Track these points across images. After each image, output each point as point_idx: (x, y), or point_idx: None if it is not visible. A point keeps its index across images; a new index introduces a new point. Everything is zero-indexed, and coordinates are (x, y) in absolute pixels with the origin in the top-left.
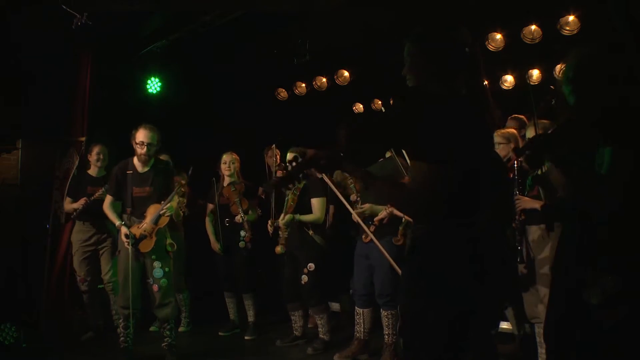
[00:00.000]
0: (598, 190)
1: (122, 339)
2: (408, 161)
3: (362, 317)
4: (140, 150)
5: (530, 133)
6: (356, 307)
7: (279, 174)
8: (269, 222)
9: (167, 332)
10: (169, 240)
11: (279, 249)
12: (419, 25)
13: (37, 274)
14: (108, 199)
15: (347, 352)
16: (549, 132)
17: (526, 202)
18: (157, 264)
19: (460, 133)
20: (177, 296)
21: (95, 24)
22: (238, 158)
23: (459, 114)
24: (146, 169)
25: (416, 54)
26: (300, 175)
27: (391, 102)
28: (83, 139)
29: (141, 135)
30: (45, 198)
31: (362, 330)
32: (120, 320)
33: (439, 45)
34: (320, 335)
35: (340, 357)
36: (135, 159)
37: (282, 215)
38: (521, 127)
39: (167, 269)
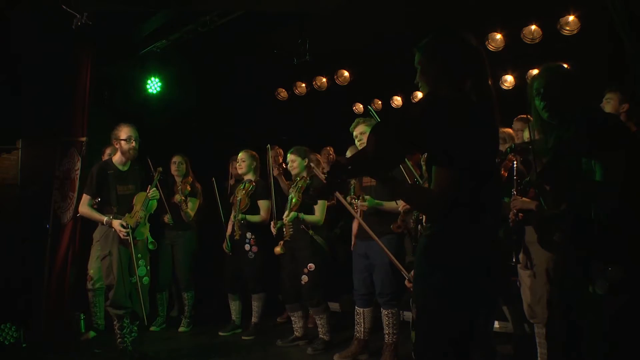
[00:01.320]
0: (597, 192)
1: (119, 340)
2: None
3: (362, 317)
4: (129, 145)
5: (526, 135)
6: (356, 307)
7: (275, 172)
8: (272, 223)
9: (135, 329)
10: (149, 239)
11: (278, 249)
12: (421, 28)
13: (37, 274)
14: (85, 199)
15: (347, 352)
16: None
17: (522, 203)
18: (141, 262)
19: (473, 136)
20: (182, 295)
21: (95, 24)
22: (254, 154)
23: (472, 118)
24: (126, 168)
25: (425, 63)
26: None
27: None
28: (83, 139)
29: (127, 131)
30: (45, 198)
31: (362, 330)
32: (115, 322)
33: (446, 52)
34: (320, 335)
35: (340, 357)
36: (116, 158)
37: (286, 213)
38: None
39: (148, 267)
